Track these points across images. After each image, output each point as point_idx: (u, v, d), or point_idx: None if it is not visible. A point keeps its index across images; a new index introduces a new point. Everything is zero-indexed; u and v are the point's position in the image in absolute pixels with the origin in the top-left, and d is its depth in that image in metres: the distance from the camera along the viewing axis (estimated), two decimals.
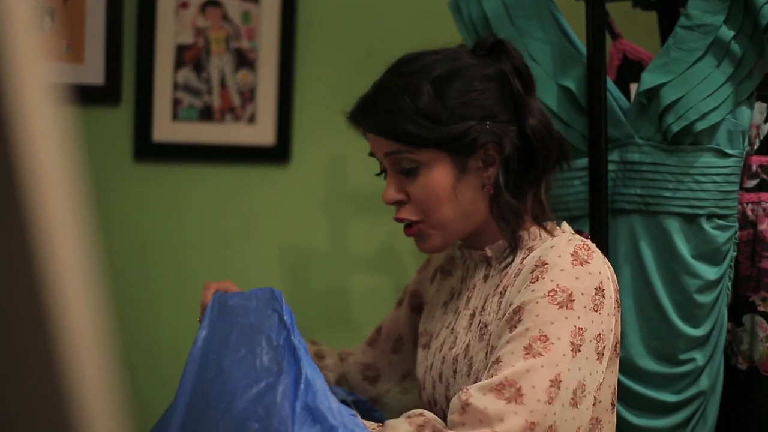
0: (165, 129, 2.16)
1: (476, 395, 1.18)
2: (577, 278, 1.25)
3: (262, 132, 2.23)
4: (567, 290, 1.24)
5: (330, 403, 1.18)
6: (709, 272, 1.69)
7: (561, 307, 1.23)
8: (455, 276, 1.57)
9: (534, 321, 1.22)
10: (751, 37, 1.64)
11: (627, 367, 1.71)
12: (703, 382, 1.72)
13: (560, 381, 1.20)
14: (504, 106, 1.41)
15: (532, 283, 1.27)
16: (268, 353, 1.24)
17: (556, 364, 1.20)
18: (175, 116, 2.17)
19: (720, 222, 1.70)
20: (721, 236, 1.70)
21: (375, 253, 2.34)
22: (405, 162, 1.39)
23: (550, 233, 1.41)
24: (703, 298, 1.70)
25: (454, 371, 1.39)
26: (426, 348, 1.55)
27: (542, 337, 1.21)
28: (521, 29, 1.77)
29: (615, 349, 1.36)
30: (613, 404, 1.38)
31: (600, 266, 1.30)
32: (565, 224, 1.46)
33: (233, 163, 2.22)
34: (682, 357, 1.71)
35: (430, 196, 1.39)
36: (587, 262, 1.27)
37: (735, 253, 1.73)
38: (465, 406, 1.17)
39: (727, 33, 1.64)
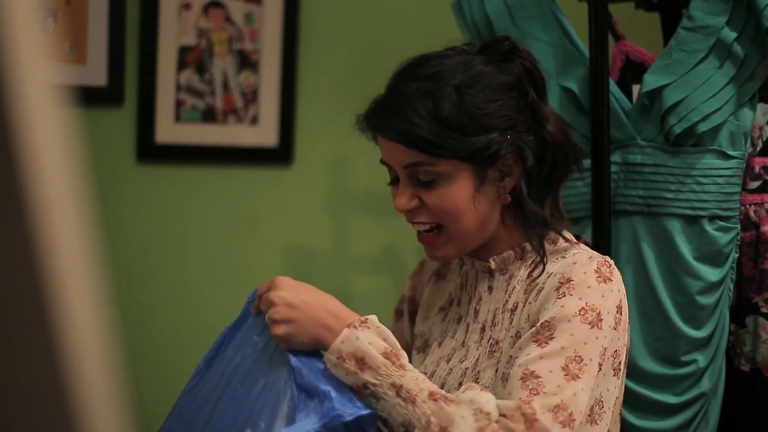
0: (168, 130, 2.16)
1: (540, 413, 1.19)
2: (603, 296, 1.28)
3: (264, 133, 2.23)
4: (596, 309, 1.26)
5: (315, 373, 1.23)
6: (711, 274, 1.69)
7: (592, 327, 1.25)
8: (451, 281, 1.54)
9: (569, 340, 1.24)
10: (753, 39, 1.64)
11: (629, 368, 1.70)
12: (705, 384, 1.72)
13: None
14: (522, 115, 1.37)
15: (560, 299, 1.27)
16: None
17: (590, 388, 1.24)
18: (177, 117, 2.17)
19: (722, 223, 1.70)
20: (722, 238, 1.69)
21: (377, 253, 2.34)
22: (423, 174, 1.35)
23: (554, 243, 1.40)
24: (705, 300, 1.70)
25: (460, 384, 1.38)
26: (422, 352, 1.53)
27: (577, 358, 1.24)
28: (523, 30, 1.77)
29: (624, 362, 1.37)
30: (619, 414, 1.39)
31: (619, 283, 1.32)
32: (566, 231, 1.44)
33: (236, 164, 2.23)
34: (684, 358, 1.71)
35: (449, 207, 1.35)
36: (610, 280, 1.30)
37: (737, 255, 1.73)
38: (533, 422, 1.18)
39: (729, 35, 1.64)
